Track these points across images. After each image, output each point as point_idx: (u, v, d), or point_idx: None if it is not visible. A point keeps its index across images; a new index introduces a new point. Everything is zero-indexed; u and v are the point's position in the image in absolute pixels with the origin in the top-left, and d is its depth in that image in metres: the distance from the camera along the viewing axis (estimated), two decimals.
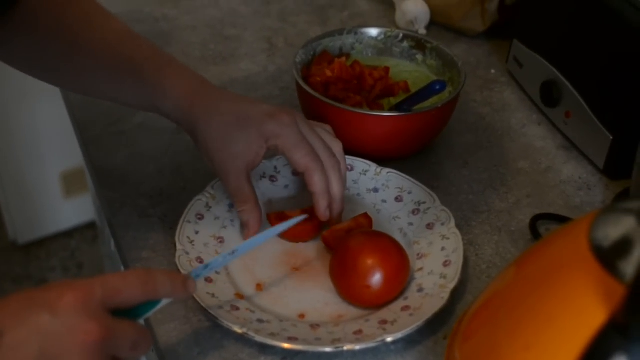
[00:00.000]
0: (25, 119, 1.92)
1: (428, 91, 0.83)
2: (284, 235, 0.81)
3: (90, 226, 2.11)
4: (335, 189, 0.80)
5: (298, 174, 0.87)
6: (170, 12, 1.21)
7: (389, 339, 0.70)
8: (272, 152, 0.80)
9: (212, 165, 0.79)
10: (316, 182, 0.78)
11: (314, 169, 0.77)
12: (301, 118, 0.80)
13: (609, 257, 0.54)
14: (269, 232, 0.74)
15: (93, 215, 2.09)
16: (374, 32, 1.01)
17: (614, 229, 0.56)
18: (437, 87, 0.82)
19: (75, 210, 2.08)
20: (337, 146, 0.82)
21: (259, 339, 0.69)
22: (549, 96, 1.00)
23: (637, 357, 0.51)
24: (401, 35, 1.00)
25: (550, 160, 0.97)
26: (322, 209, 0.79)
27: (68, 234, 2.12)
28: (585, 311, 0.54)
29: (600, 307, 0.53)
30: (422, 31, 1.17)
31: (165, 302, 0.63)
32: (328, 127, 0.84)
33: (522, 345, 0.57)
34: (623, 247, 0.54)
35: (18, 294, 0.55)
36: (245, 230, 0.80)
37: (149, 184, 0.89)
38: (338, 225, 0.81)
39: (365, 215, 0.83)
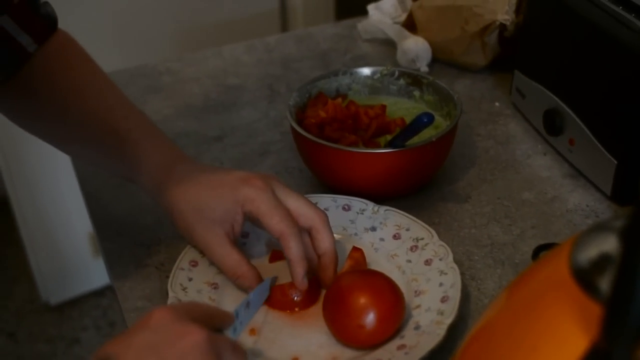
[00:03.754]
0: (49, 181, 1.95)
1: (417, 125, 0.82)
2: (279, 308, 0.78)
3: None
4: (327, 243, 0.77)
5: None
6: (173, 65, 1.23)
7: None
8: (249, 218, 0.78)
9: (193, 239, 0.79)
10: (292, 248, 0.75)
11: (290, 234, 0.75)
12: (278, 183, 0.78)
13: (590, 279, 0.52)
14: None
15: None
16: (369, 71, 1.00)
17: (595, 250, 0.54)
18: (425, 120, 0.81)
19: (105, 269, 2.09)
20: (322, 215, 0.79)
21: None
22: (551, 125, 0.98)
23: None
24: (397, 72, 1.00)
25: (557, 189, 0.95)
26: (300, 277, 0.76)
27: (99, 292, 2.14)
28: (568, 339, 0.52)
29: (582, 333, 0.51)
30: (424, 69, 1.16)
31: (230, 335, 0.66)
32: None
33: None
34: (603, 266, 0.52)
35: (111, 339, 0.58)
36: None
37: (147, 234, 0.89)
38: (340, 272, 0.79)
39: (354, 248, 0.81)
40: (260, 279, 0.78)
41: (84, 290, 2.12)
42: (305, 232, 0.79)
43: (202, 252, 0.80)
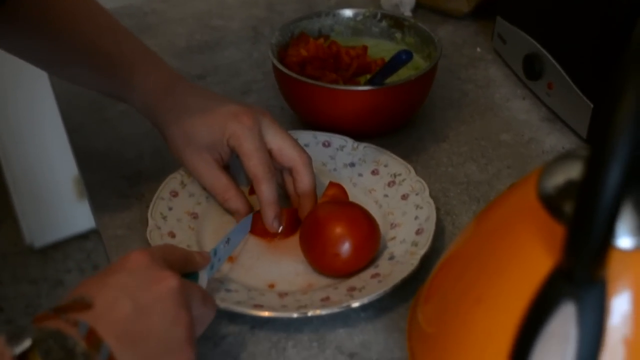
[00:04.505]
0: (33, 124, 1.95)
1: (395, 62, 0.84)
2: (259, 235, 0.80)
3: None
4: (306, 185, 0.80)
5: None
6: (159, 6, 1.23)
7: (355, 305, 0.70)
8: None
9: (183, 161, 0.81)
10: (263, 192, 0.77)
11: (262, 178, 0.77)
12: (268, 120, 0.79)
13: (556, 202, 0.54)
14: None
15: None
16: (351, 12, 1.01)
17: (562, 175, 0.55)
18: (404, 57, 0.82)
19: (89, 212, 2.10)
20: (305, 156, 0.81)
21: (224, 305, 0.69)
22: (531, 69, 1.00)
23: (584, 302, 0.51)
24: (379, 14, 1.01)
25: (534, 132, 0.96)
26: (270, 220, 0.78)
27: (84, 236, 2.15)
28: (533, 259, 0.54)
29: (547, 254, 0.53)
30: (408, 14, 1.17)
31: (201, 278, 0.67)
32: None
33: (473, 299, 0.57)
34: (569, 191, 0.54)
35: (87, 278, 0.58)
36: (237, 218, 0.81)
37: (128, 167, 0.90)
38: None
39: (331, 184, 0.83)
40: (247, 202, 0.80)
41: (68, 234, 2.14)
42: (287, 171, 0.81)
43: (192, 176, 0.82)
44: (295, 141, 0.80)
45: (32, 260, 2.11)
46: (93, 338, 0.51)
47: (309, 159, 0.80)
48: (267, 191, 0.77)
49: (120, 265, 0.58)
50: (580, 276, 0.50)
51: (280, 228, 0.79)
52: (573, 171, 0.55)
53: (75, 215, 2.11)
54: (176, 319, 0.57)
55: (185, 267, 0.64)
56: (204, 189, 0.83)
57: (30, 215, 2.06)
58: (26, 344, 0.48)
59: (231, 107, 0.79)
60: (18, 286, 2.04)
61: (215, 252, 0.71)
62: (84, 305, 0.53)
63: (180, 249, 0.66)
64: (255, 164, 0.77)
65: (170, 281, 0.58)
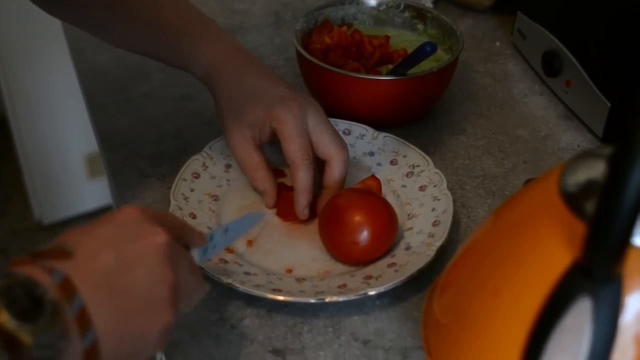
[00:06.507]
0: (48, 102, 1.96)
1: (420, 53, 0.84)
2: (283, 217, 0.82)
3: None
4: (331, 182, 0.80)
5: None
6: None
7: (371, 293, 0.71)
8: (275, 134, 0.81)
9: (224, 131, 0.82)
10: (300, 178, 0.78)
11: (301, 165, 0.78)
12: (315, 110, 0.80)
13: (577, 200, 0.55)
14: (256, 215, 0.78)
15: None
16: (375, 1, 1.02)
17: (584, 174, 0.56)
18: (428, 49, 0.83)
19: (99, 191, 2.11)
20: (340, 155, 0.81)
21: (243, 289, 0.70)
22: (550, 66, 1.00)
23: (600, 298, 0.52)
24: (402, 5, 1.01)
25: (550, 128, 0.97)
26: (301, 207, 0.79)
27: (93, 214, 2.15)
28: (552, 254, 0.55)
29: (566, 250, 0.54)
30: (429, 5, 1.17)
31: (195, 255, 0.64)
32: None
33: (490, 290, 0.58)
34: (591, 190, 0.55)
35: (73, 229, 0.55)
36: (265, 197, 0.82)
37: (150, 147, 0.91)
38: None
39: (372, 177, 0.83)
40: (274, 184, 0.82)
41: (77, 212, 2.15)
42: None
43: (214, 156, 0.85)
44: (336, 135, 0.81)
45: (40, 236, 2.12)
46: (67, 287, 0.49)
47: (344, 156, 0.80)
48: (303, 178, 0.78)
49: (110, 218, 0.56)
50: (598, 273, 0.51)
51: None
52: (595, 170, 0.56)
53: (85, 194, 2.12)
54: (161, 276, 0.54)
55: (178, 237, 0.61)
56: (226, 170, 0.85)
57: (40, 192, 2.07)
58: None
59: (281, 91, 0.80)
60: None
61: (211, 237, 0.67)
62: (64, 253, 0.51)
63: (178, 219, 0.65)
64: (295, 150, 0.78)
65: (159, 237, 0.55)
